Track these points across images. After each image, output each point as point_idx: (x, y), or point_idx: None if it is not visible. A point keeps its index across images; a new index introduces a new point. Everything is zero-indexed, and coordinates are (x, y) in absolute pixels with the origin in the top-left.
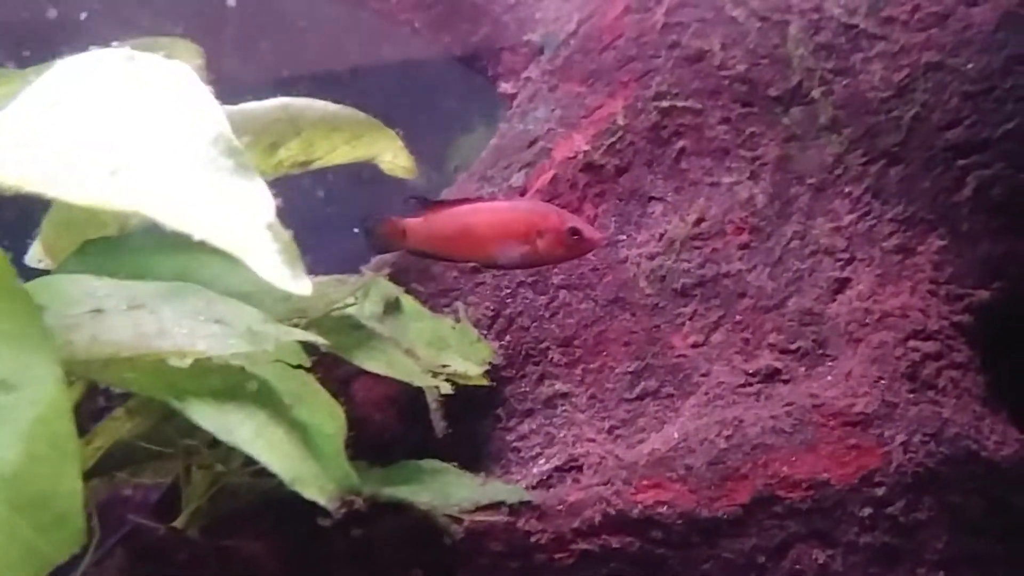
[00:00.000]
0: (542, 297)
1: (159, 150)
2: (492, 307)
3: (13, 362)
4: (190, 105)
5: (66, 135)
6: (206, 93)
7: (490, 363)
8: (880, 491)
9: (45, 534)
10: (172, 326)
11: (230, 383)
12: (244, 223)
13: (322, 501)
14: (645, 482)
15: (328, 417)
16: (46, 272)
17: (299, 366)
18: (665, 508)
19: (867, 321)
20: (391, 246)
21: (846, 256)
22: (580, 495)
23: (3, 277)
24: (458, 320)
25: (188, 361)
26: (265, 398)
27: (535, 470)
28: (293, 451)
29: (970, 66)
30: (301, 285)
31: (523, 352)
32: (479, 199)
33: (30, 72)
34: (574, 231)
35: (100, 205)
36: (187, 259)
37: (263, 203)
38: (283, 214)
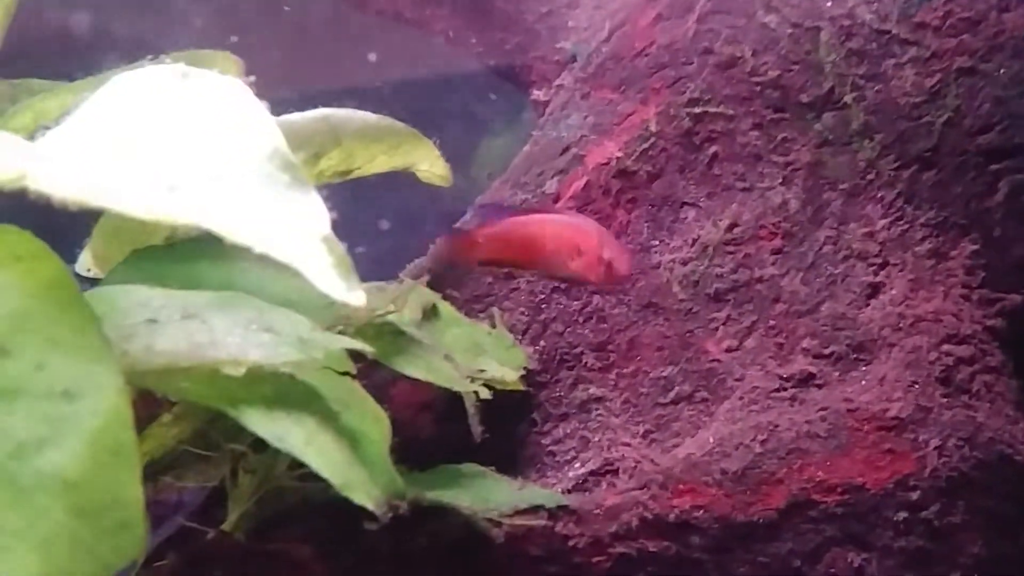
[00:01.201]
0: (576, 302)
1: (217, 165)
2: (526, 313)
3: (75, 372)
4: (246, 120)
5: (125, 149)
6: (261, 108)
7: (525, 368)
8: (915, 495)
9: (107, 540)
10: (224, 336)
11: (280, 391)
12: (301, 236)
13: (370, 506)
14: (681, 486)
15: (374, 423)
16: (95, 280)
17: (346, 373)
18: (701, 512)
19: (900, 326)
20: (462, 261)
21: (879, 261)
22: (616, 499)
23: (65, 288)
24: (493, 326)
25: (242, 370)
26: (314, 405)
27: (571, 474)
28: (341, 457)
29: (1002, 71)
30: (356, 296)
31: (557, 357)
32: (543, 209)
33: (82, 85)
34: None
35: (160, 219)
36: (232, 268)
37: (319, 216)
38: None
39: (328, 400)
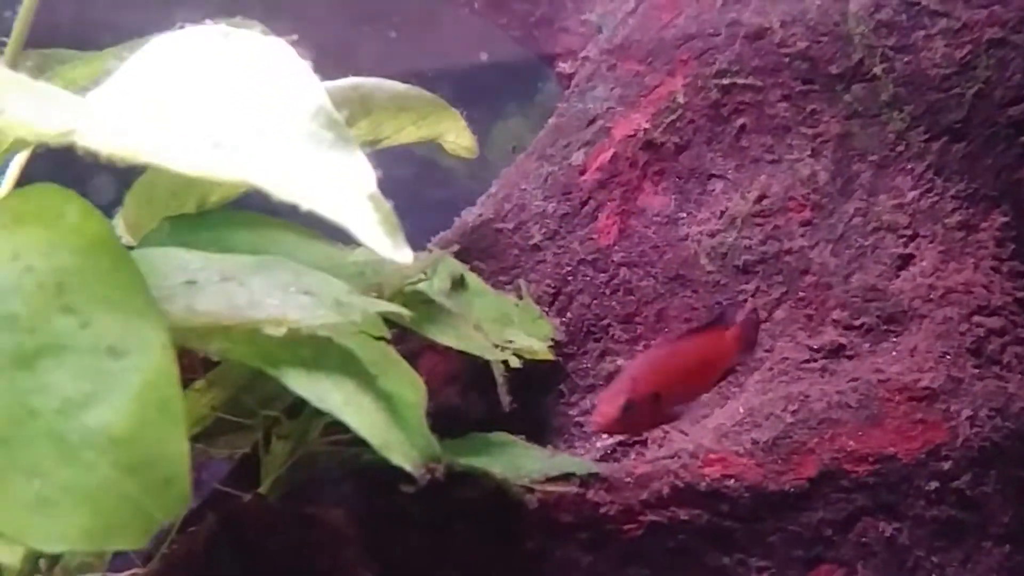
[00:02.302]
0: (602, 275)
1: (260, 122)
2: (553, 285)
3: (121, 329)
4: (289, 78)
5: (169, 107)
6: (305, 67)
7: (552, 340)
8: (946, 465)
9: (153, 495)
10: (263, 297)
11: (319, 353)
12: (347, 194)
13: (408, 467)
14: (712, 456)
15: (410, 387)
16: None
17: (381, 338)
18: (732, 481)
19: (931, 297)
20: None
21: (909, 233)
22: (647, 468)
23: (111, 247)
24: (520, 297)
25: (282, 330)
26: (351, 368)
27: (598, 444)
28: (379, 418)
29: None
30: (402, 254)
31: (584, 329)
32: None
33: (112, 52)
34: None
35: (205, 175)
36: (263, 236)
37: (364, 174)
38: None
39: (365, 364)
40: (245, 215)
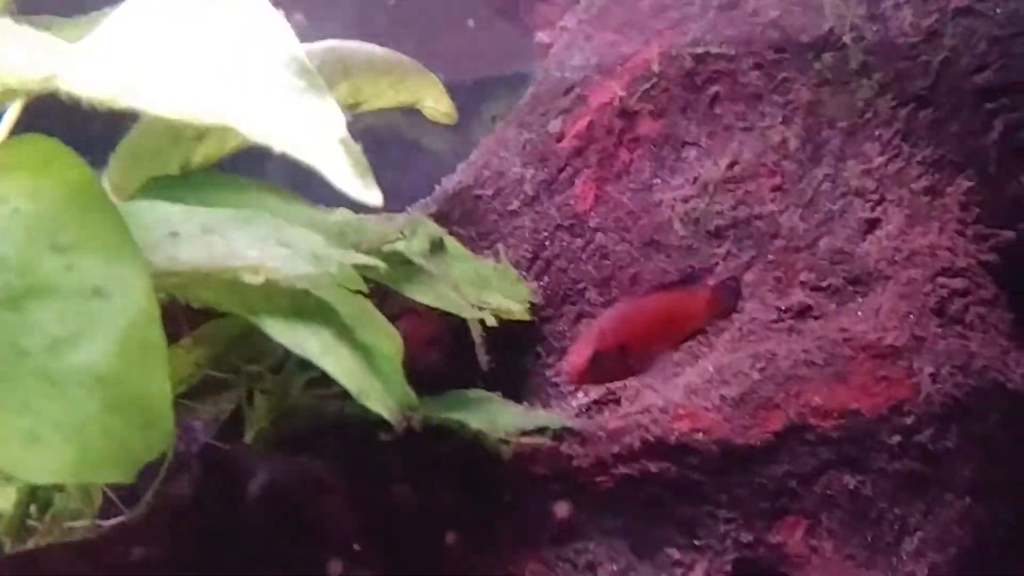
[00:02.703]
0: (579, 240)
1: (238, 69)
2: (530, 250)
3: (105, 271)
4: (265, 30)
5: (150, 55)
6: (280, 18)
7: (530, 303)
8: (909, 420)
9: (138, 433)
10: (243, 249)
11: (297, 304)
12: (319, 136)
13: (385, 415)
14: (681, 411)
15: (387, 340)
16: None
17: (359, 292)
18: (701, 435)
19: (896, 259)
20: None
21: (876, 197)
22: (620, 423)
23: (94, 193)
24: (499, 262)
25: (261, 278)
26: (329, 319)
27: (574, 403)
28: (357, 367)
29: (998, 11)
30: (373, 195)
31: (561, 293)
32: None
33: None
34: None
35: (183, 118)
36: (246, 197)
37: (335, 119)
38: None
39: (343, 316)
40: (228, 177)
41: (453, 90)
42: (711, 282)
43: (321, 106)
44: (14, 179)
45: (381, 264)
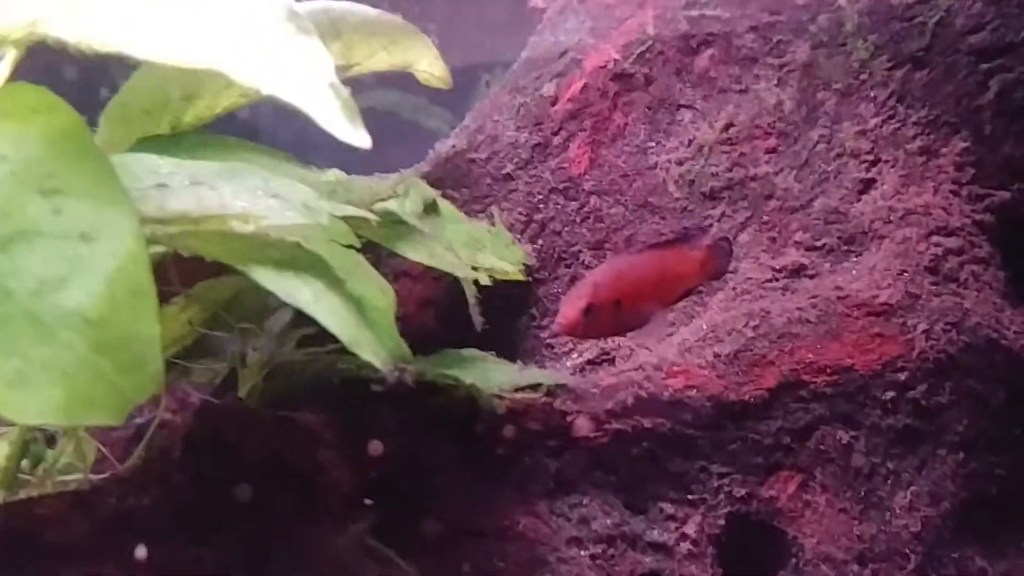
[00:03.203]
0: (573, 203)
1: (228, 15)
2: (525, 213)
3: (93, 216)
4: None
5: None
6: None
7: (524, 265)
8: (902, 376)
9: (127, 375)
10: (233, 200)
11: (288, 256)
12: (308, 80)
13: (378, 364)
14: (675, 368)
15: (379, 292)
16: None
17: (350, 246)
18: (695, 392)
19: (891, 219)
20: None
21: (871, 158)
22: (613, 380)
23: (81, 137)
24: (493, 224)
25: (250, 227)
26: (320, 271)
27: (568, 364)
28: (349, 317)
29: None
30: (361, 138)
31: (555, 255)
32: None
33: None
34: None
35: (173, 63)
36: (237, 156)
37: (325, 63)
38: None
39: (334, 268)
40: (219, 137)
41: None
42: (705, 242)
43: (310, 50)
44: (1, 126)
45: (372, 216)
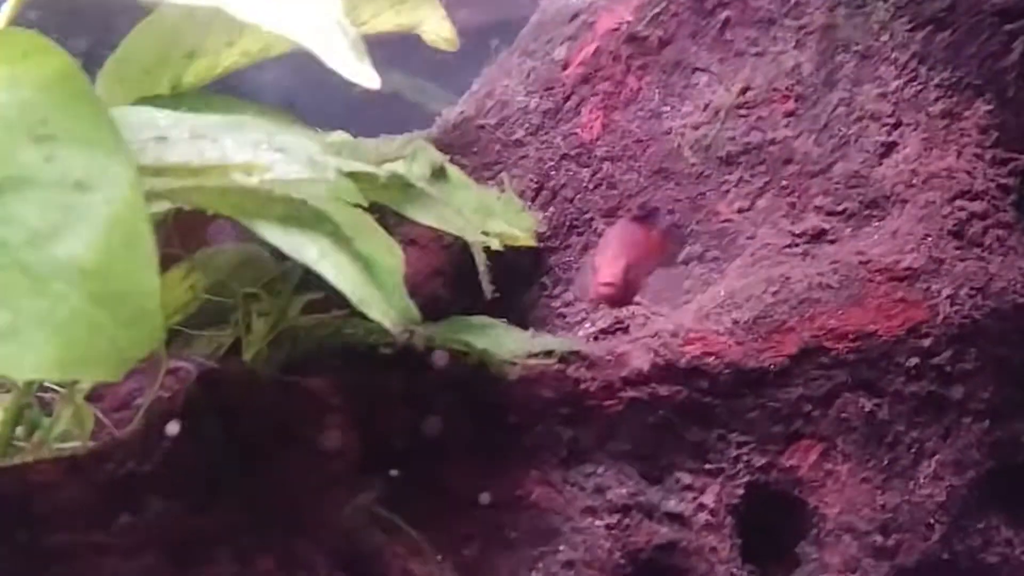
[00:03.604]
0: (585, 170)
1: None
2: (536, 180)
3: (88, 163)
4: None
5: None
6: None
7: (535, 232)
8: (926, 342)
9: (126, 329)
10: (234, 154)
11: (293, 212)
12: (316, 18)
13: (386, 324)
14: (692, 335)
15: (387, 252)
16: None
17: (357, 205)
18: (712, 359)
19: (913, 182)
20: None
21: (892, 121)
22: (628, 347)
23: (76, 82)
24: (503, 191)
25: (254, 180)
26: (326, 228)
27: (580, 333)
28: (356, 275)
29: None
30: (370, 76)
31: (567, 223)
32: None
33: None
34: None
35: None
36: (238, 113)
37: (331, 1)
38: None
39: (341, 226)
40: (221, 97)
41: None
42: (662, 226)
43: None
44: None
45: (380, 171)
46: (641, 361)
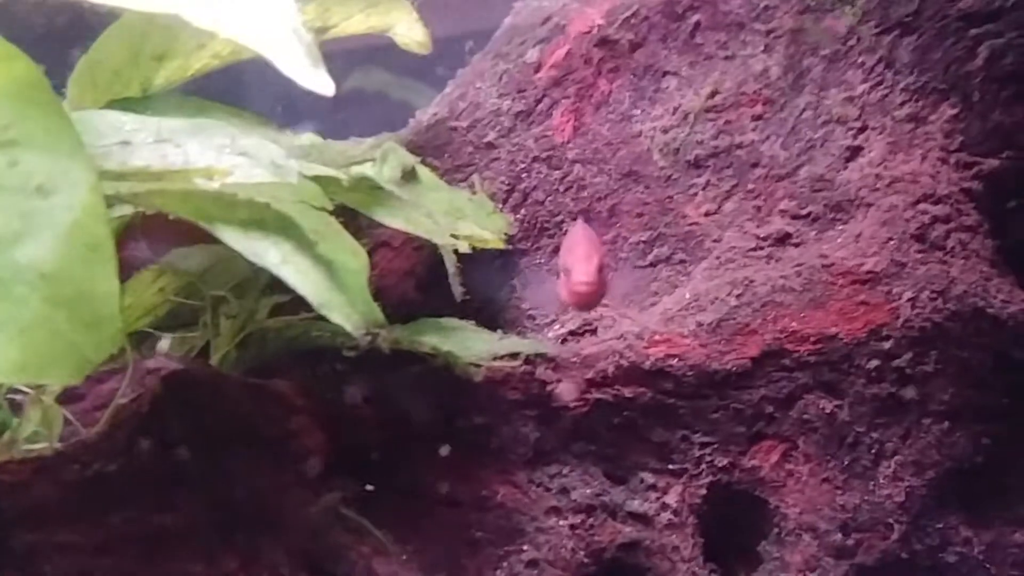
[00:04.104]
0: (556, 172)
1: None
2: (507, 182)
3: (49, 168)
4: None
5: None
6: None
7: (506, 234)
8: (887, 344)
9: (85, 332)
10: (197, 158)
11: (256, 216)
12: (271, 24)
13: (348, 327)
14: (656, 337)
15: (351, 255)
16: None
17: (322, 208)
18: (676, 361)
19: (878, 186)
20: None
21: (858, 125)
22: (594, 349)
23: (38, 89)
24: (474, 192)
25: (215, 184)
26: (290, 232)
27: (550, 334)
28: (319, 280)
29: None
30: (323, 82)
31: (538, 225)
32: None
33: None
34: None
35: (134, 7)
36: (207, 116)
37: (288, 7)
38: None
39: (305, 230)
40: (191, 99)
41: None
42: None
43: None
44: None
45: (343, 176)
46: (607, 363)
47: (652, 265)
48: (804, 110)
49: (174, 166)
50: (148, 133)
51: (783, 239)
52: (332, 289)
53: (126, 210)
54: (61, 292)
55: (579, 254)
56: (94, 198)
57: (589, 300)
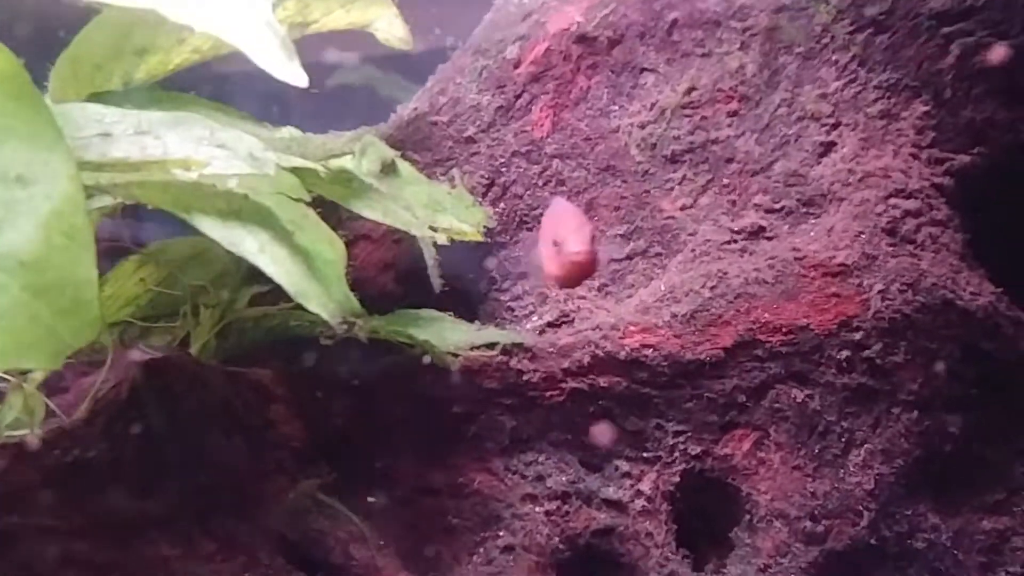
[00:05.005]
0: (536, 167)
1: None
2: (487, 176)
3: (29, 158)
4: None
5: None
6: None
7: (485, 227)
8: (858, 336)
9: (64, 319)
10: (175, 149)
11: (234, 206)
12: (245, 18)
13: (325, 316)
14: (632, 327)
15: (328, 245)
16: None
17: (299, 199)
18: (651, 351)
19: (850, 181)
20: None
21: (832, 121)
22: (570, 339)
23: (18, 81)
24: (454, 186)
25: (193, 174)
26: (267, 222)
27: (528, 326)
28: (296, 269)
29: None
30: (296, 74)
31: (517, 219)
32: None
33: None
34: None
35: (119, 3)
36: (187, 110)
37: (261, 3)
38: None
39: (282, 220)
40: (172, 93)
41: None
42: None
43: None
44: None
45: (321, 168)
46: (582, 353)
47: (629, 258)
48: (779, 106)
49: (153, 157)
50: (128, 125)
51: (757, 232)
52: (309, 278)
53: (106, 200)
54: (40, 279)
55: (570, 225)
56: (73, 188)
57: (584, 271)
